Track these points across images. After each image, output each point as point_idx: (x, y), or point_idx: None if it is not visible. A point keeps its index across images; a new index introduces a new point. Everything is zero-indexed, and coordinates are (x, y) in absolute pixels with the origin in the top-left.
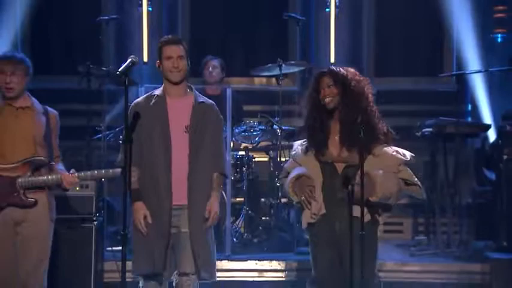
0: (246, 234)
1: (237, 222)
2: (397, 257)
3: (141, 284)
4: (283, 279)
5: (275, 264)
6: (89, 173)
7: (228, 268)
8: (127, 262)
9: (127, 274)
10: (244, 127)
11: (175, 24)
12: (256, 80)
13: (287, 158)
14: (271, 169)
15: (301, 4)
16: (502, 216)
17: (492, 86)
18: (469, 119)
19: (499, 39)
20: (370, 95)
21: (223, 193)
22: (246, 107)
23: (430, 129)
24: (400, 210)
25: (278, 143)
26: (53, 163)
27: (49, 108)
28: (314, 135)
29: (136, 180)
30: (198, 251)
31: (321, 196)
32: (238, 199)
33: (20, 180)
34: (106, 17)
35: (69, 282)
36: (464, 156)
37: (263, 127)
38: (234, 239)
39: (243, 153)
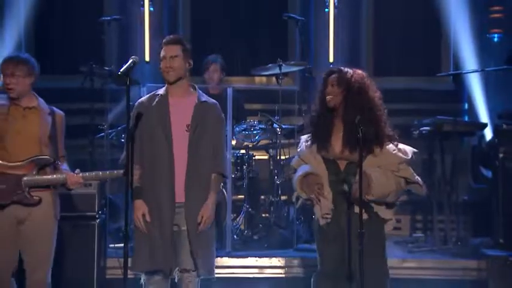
0: (246, 231)
1: (237, 220)
2: (395, 254)
3: (142, 280)
4: (283, 275)
5: (275, 261)
6: (93, 173)
7: (228, 265)
8: (129, 259)
9: (129, 271)
10: (245, 126)
11: (177, 24)
12: (257, 79)
13: (287, 156)
14: (271, 167)
15: (300, 4)
16: (498, 214)
17: (488, 85)
18: (466, 118)
19: (496, 39)
20: (376, 98)
21: (224, 191)
22: (246, 106)
23: (427, 128)
24: (398, 207)
25: (278, 141)
26: (58, 162)
27: (55, 109)
28: (317, 132)
29: (138, 178)
30: (195, 249)
31: (330, 193)
32: (238, 196)
33: (25, 178)
34: (108, 18)
35: (72, 278)
36: (461, 155)
37: (263, 126)
38: (235, 236)
39: (243, 151)
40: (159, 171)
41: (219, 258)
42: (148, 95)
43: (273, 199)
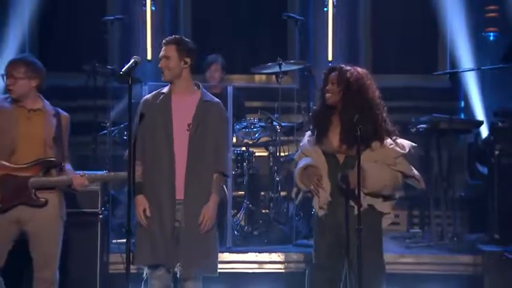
0: (246, 227)
1: (238, 216)
2: (393, 249)
3: (145, 274)
4: (282, 270)
5: (274, 256)
6: (99, 175)
7: (229, 260)
8: (131, 254)
9: (131, 266)
10: (245, 123)
11: (178, 23)
12: (257, 77)
13: (286, 153)
14: (271, 164)
15: (300, 4)
16: (494, 210)
17: (484, 84)
18: (462, 115)
19: (491, 38)
20: (375, 97)
21: (225, 187)
22: (246, 104)
23: (424, 126)
24: (396, 203)
25: (277, 138)
26: (63, 164)
27: (60, 110)
28: (317, 126)
29: (140, 174)
30: (193, 246)
31: (328, 185)
32: (239, 193)
33: (31, 180)
34: (111, 17)
35: (76, 274)
36: (457, 152)
37: (263, 124)
38: (235, 232)
39: (243, 149)
40: (159, 169)
41: (220, 253)
42: (153, 93)
43: (272, 195)
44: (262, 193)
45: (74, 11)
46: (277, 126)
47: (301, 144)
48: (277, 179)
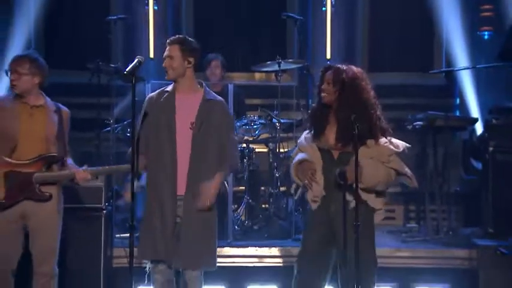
0: (246, 222)
1: (238, 211)
2: (389, 243)
3: (147, 268)
4: (281, 264)
5: (274, 251)
6: (100, 168)
7: (229, 254)
8: (134, 248)
9: (134, 260)
10: (245, 121)
11: (180, 22)
12: (257, 75)
13: (286, 150)
14: (271, 160)
15: (299, 3)
16: (488, 204)
17: (479, 82)
18: (458, 112)
19: (486, 37)
20: (370, 97)
21: (225, 183)
22: (247, 101)
23: (420, 123)
24: (392, 198)
25: (277, 135)
26: (65, 158)
27: (61, 106)
28: (313, 123)
29: (142, 167)
30: (191, 241)
31: (322, 179)
32: (239, 188)
33: (35, 175)
34: (114, 17)
35: (80, 268)
36: (452, 148)
37: (263, 121)
38: (236, 227)
39: (244, 145)
40: (162, 166)
41: (220, 248)
42: (158, 91)
43: (272, 191)
44: (262, 188)
45: (78, 11)
46: (277, 123)
47: (298, 141)
48: (277, 174)
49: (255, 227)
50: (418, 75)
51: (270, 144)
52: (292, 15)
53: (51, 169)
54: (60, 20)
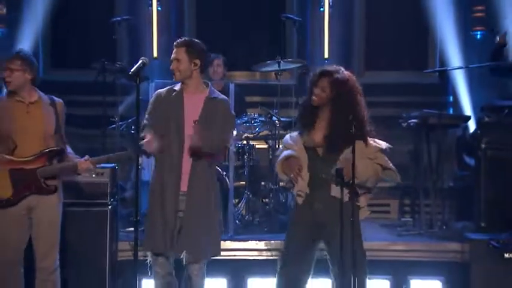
0: (247, 216)
1: (239, 205)
2: (385, 237)
3: (148, 261)
4: None
5: (273, 244)
6: (102, 157)
7: (231, 248)
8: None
9: (139, 253)
10: (246, 118)
11: (182, 23)
12: (257, 74)
13: None
14: (270, 156)
15: (297, 5)
16: (481, 199)
17: (472, 80)
18: (451, 110)
19: (478, 36)
20: (361, 100)
21: (227, 179)
22: (248, 98)
23: (415, 121)
24: (388, 192)
25: (277, 132)
26: (66, 150)
27: (55, 98)
28: (301, 121)
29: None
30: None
31: (307, 175)
32: (240, 183)
33: (39, 170)
34: (119, 18)
35: (87, 260)
36: (446, 144)
37: (263, 118)
38: (237, 221)
39: (244, 142)
40: (168, 161)
41: (222, 241)
42: (166, 88)
43: (272, 186)
44: (262, 184)
45: (84, 13)
46: (276, 121)
47: (283, 140)
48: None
49: (255, 221)
50: (413, 73)
51: (270, 141)
52: (291, 16)
53: (55, 162)
54: (67, 22)
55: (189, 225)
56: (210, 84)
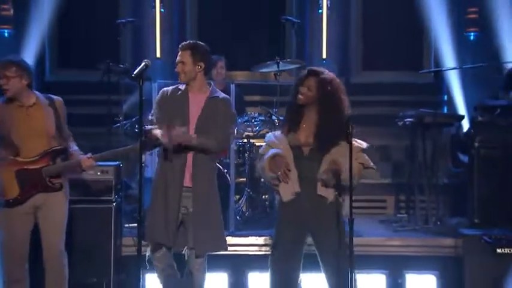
0: (247, 212)
1: (240, 202)
2: (381, 233)
3: (148, 255)
4: None
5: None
6: (104, 153)
7: (231, 243)
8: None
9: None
10: (246, 118)
11: (184, 24)
12: (257, 73)
13: None
14: None
15: (296, 7)
16: (474, 196)
17: (466, 80)
18: (445, 108)
19: (472, 37)
20: (345, 101)
21: (228, 176)
22: (248, 98)
23: (410, 119)
24: (384, 189)
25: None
26: (69, 148)
27: (53, 96)
28: (289, 119)
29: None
30: (201, 228)
31: (295, 173)
32: (240, 179)
33: (44, 169)
34: (123, 20)
35: (92, 256)
36: (441, 142)
37: (263, 117)
38: (237, 217)
39: (245, 140)
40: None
41: None
42: (171, 87)
43: None
44: (262, 180)
45: (89, 15)
46: (276, 120)
47: (265, 139)
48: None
49: (256, 217)
50: (409, 73)
51: None
52: (290, 18)
53: (59, 161)
54: (73, 23)
55: (198, 220)
56: (212, 84)
